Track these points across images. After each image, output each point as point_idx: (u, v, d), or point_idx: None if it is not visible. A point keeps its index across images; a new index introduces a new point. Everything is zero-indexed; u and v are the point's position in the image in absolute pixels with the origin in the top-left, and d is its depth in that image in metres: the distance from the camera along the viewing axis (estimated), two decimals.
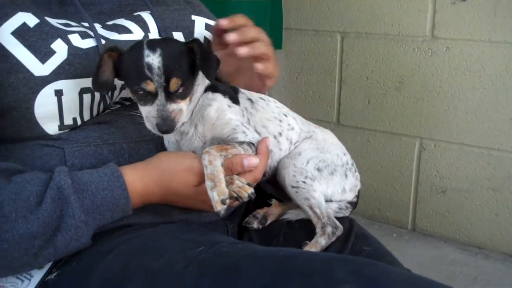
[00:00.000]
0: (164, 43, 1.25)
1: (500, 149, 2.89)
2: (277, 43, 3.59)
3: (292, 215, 1.53)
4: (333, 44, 3.39)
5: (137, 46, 1.25)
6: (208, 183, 1.20)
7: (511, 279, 2.75)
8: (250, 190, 1.23)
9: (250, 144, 1.34)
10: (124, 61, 1.25)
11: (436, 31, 2.98)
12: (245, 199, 1.22)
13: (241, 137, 1.34)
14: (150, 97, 1.23)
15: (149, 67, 1.20)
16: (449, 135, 3.04)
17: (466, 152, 3.00)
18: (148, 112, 1.24)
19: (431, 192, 3.17)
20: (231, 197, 1.21)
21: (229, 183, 1.23)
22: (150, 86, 1.21)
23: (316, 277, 0.98)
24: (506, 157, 2.88)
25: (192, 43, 1.27)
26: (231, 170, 1.26)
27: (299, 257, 1.07)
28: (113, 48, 1.25)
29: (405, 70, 3.12)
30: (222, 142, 1.34)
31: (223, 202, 1.18)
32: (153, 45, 1.23)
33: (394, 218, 3.35)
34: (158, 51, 1.21)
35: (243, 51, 1.40)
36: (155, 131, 1.25)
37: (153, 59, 1.20)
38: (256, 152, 1.35)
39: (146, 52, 1.21)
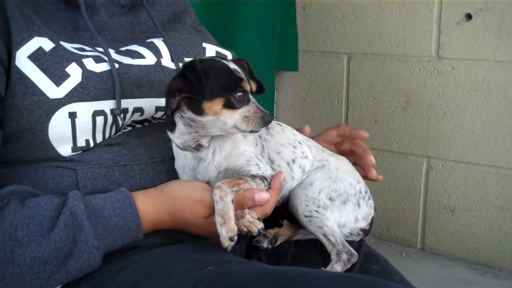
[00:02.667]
0: (220, 58, 1.36)
1: (508, 168, 2.89)
2: (292, 65, 3.63)
3: (302, 235, 1.53)
4: (340, 65, 3.42)
5: (205, 61, 1.31)
6: (218, 219, 1.23)
7: None
8: (260, 225, 1.27)
9: (263, 178, 1.36)
10: (212, 73, 1.29)
11: (442, 51, 3.00)
12: (255, 234, 1.26)
13: (254, 170, 1.36)
14: (245, 97, 1.30)
15: (237, 71, 1.30)
16: (456, 154, 3.05)
17: (474, 171, 3.00)
18: (246, 111, 1.29)
19: (440, 211, 3.17)
20: (241, 231, 1.24)
21: (239, 216, 1.26)
22: (247, 86, 1.30)
23: None
24: None
25: (241, 60, 1.37)
26: (242, 205, 1.29)
27: (307, 275, 1.08)
28: None
29: (411, 90, 3.14)
30: (236, 173, 1.36)
31: (231, 239, 1.21)
32: (219, 58, 1.34)
33: (403, 238, 3.34)
34: (229, 61, 1.32)
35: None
36: (257, 127, 1.29)
37: (233, 66, 1.31)
38: (269, 187, 1.37)
39: (224, 61, 1.31)
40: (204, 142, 1.35)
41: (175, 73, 1.53)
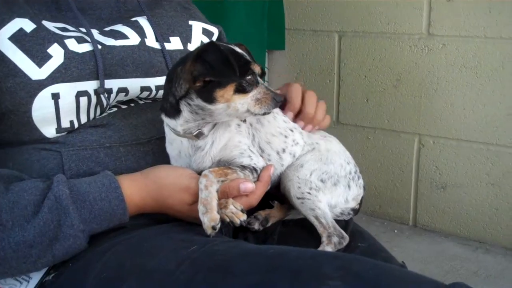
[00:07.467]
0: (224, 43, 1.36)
1: (498, 144, 2.90)
2: (279, 44, 3.62)
3: (292, 215, 1.54)
4: (331, 43, 3.41)
5: (216, 46, 1.27)
6: (200, 208, 1.23)
7: None
8: (243, 217, 1.26)
9: (253, 170, 1.35)
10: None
11: (432, 29, 2.99)
12: (237, 225, 1.27)
13: (245, 161, 1.35)
14: (254, 80, 1.29)
15: (244, 54, 1.29)
16: (447, 131, 3.05)
17: (465, 147, 3.02)
18: (257, 93, 1.28)
19: (431, 188, 3.19)
20: (223, 221, 1.24)
21: (223, 206, 1.26)
22: (257, 68, 1.29)
23: (304, 273, 1.00)
24: (504, 152, 2.90)
25: (240, 45, 1.35)
26: (227, 194, 1.29)
27: (288, 254, 1.09)
28: None
29: (402, 67, 3.13)
30: (228, 164, 1.35)
31: (213, 228, 1.21)
32: (224, 44, 1.33)
33: (395, 215, 3.36)
34: (233, 46, 1.31)
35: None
36: (269, 109, 1.29)
37: (240, 51, 1.30)
38: (258, 179, 1.36)
39: (230, 47, 1.29)
40: (205, 130, 1.34)
41: (158, 52, 1.52)
